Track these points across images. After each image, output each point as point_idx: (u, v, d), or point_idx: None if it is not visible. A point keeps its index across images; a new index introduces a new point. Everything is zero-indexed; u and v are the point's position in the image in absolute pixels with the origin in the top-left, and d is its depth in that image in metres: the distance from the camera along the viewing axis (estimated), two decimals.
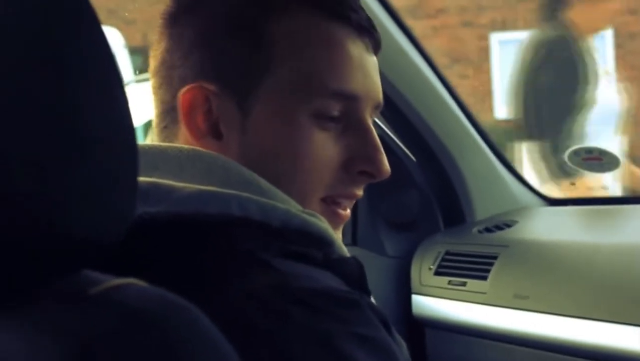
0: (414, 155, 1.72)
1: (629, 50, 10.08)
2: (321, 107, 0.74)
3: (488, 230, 1.64)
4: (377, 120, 1.44)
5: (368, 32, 0.78)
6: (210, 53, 0.74)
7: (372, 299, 0.67)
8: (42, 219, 0.42)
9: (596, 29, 2.78)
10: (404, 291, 1.67)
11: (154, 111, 0.80)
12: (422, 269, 1.64)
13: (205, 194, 0.67)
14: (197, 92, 0.74)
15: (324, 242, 0.70)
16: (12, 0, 0.41)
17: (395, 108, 1.58)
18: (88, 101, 0.43)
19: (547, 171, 2.52)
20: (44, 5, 0.42)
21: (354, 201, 0.81)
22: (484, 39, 10.28)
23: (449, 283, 1.55)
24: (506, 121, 10.01)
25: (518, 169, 1.87)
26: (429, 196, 1.74)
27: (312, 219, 0.70)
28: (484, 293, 1.45)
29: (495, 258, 1.48)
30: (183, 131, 0.76)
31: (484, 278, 1.46)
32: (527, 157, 2.65)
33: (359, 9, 0.78)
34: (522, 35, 10.08)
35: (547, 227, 1.68)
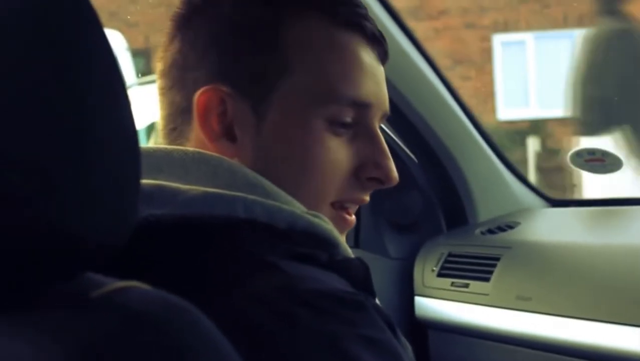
0: (416, 157, 1.72)
1: None
2: (335, 114, 0.75)
3: (490, 232, 1.64)
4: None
5: (379, 42, 0.80)
6: (225, 56, 0.75)
7: (377, 301, 0.68)
8: (44, 221, 0.42)
9: None
10: (406, 292, 1.67)
11: (162, 112, 0.80)
12: (425, 271, 1.64)
13: (211, 197, 0.67)
14: (212, 94, 0.74)
15: (330, 243, 0.71)
16: (13, 2, 0.41)
17: (397, 110, 1.58)
18: (90, 103, 0.43)
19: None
20: (45, 8, 0.42)
21: (358, 206, 0.82)
22: (487, 40, 10.27)
23: (452, 284, 1.55)
24: (509, 122, 10.00)
25: (521, 169, 1.87)
26: (431, 197, 1.74)
27: (317, 220, 0.70)
28: (487, 295, 1.45)
29: (497, 259, 1.48)
30: (196, 133, 0.76)
31: (487, 280, 1.46)
32: (614, 148, 2.64)
33: (371, 19, 0.79)
34: (525, 37, 10.07)
35: (550, 228, 1.68)
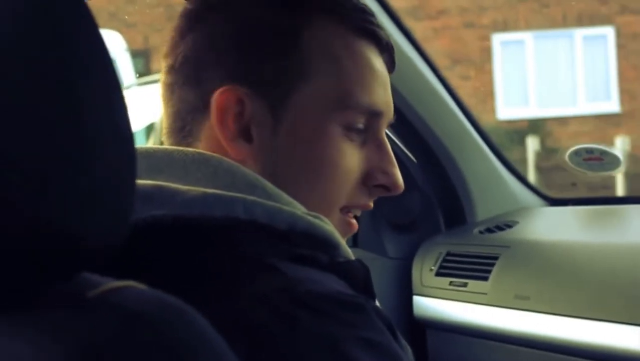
0: (414, 156, 1.72)
1: (631, 50, 10.07)
2: (351, 120, 0.76)
3: (489, 231, 1.64)
4: None
5: (388, 50, 0.81)
6: (245, 57, 0.75)
7: (377, 303, 0.68)
8: (43, 221, 0.42)
9: None
10: (405, 292, 1.67)
11: (169, 110, 0.79)
12: (423, 270, 1.64)
13: (210, 198, 0.67)
14: (231, 94, 0.74)
15: (330, 245, 0.71)
16: (8, 4, 0.41)
17: (396, 110, 1.57)
18: (87, 104, 0.43)
19: None
20: (41, 9, 0.42)
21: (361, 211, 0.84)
22: (486, 39, 10.28)
23: (450, 283, 1.55)
24: (508, 122, 10.01)
25: (521, 168, 1.87)
26: (429, 197, 1.75)
27: (318, 221, 0.70)
28: (485, 294, 1.45)
29: (496, 258, 1.49)
30: (210, 132, 0.75)
31: (485, 279, 1.47)
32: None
33: (382, 27, 0.81)
34: (524, 36, 10.10)
35: (548, 227, 1.68)
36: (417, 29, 8.56)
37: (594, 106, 10.16)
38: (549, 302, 1.32)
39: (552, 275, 1.36)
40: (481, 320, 1.45)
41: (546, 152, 9.09)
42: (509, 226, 1.64)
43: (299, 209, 0.71)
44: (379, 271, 1.69)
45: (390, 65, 0.83)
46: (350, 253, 0.73)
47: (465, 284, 1.51)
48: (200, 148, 0.76)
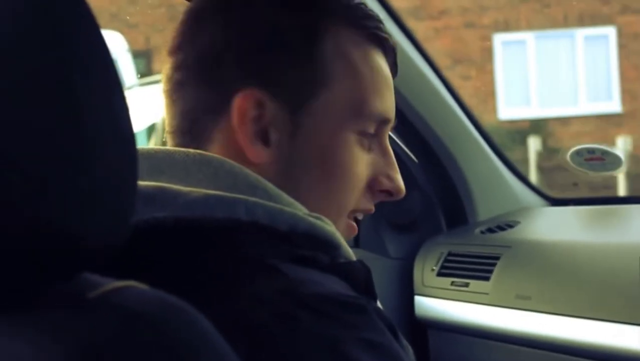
0: (416, 156, 1.72)
1: (633, 50, 10.06)
2: (365, 127, 0.78)
3: (490, 231, 1.64)
4: None
5: (393, 54, 0.82)
6: (268, 60, 0.74)
7: (378, 303, 0.68)
8: (44, 222, 0.42)
9: None
10: (406, 292, 1.67)
11: (177, 108, 0.77)
12: (425, 271, 1.64)
13: (212, 199, 0.67)
14: (252, 97, 0.73)
15: (331, 245, 0.71)
16: (9, 4, 0.41)
17: (397, 110, 1.57)
18: (88, 104, 0.43)
19: None
20: (41, 10, 0.42)
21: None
22: (487, 39, 10.28)
23: (452, 283, 1.55)
24: (509, 122, 10.00)
25: (522, 168, 1.87)
26: (431, 197, 1.75)
27: (319, 222, 0.70)
28: (487, 294, 1.45)
29: (497, 258, 1.48)
30: (226, 133, 0.75)
31: (487, 279, 1.46)
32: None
33: (389, 33, 0.82)
34: (525, 36, 10.08)
35: (550, 227, 1.68)
36: (419, 29, 8.56)
37: (595, 106, 10.15)
38: (551, 302, 1.32)
39: (554, 275, 1.36)
40: (483, 320, 1.45)
41: (547, 152, 9.09)
42: (511, 226, 1.64)
43: (300, 210, 0.71)
44: (381, 272, 1.69)
45: (394, 69, 0.83)
46: (351, 253, 0.73)
47: (466, 284, 1.51)
48: (212, 149, 0.75)
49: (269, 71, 0.74)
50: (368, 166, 0.79)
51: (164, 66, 0.80)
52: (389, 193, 0.81)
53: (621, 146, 8.37)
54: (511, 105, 10.28)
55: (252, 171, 0.72)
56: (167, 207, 0.66)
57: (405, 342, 0.65)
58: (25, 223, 0.41)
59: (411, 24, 1.57)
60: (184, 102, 0.77)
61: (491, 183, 1.76)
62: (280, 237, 0.67)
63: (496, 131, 8.54)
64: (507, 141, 8.78)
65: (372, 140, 0.80)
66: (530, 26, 10.28)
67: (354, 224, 0.82)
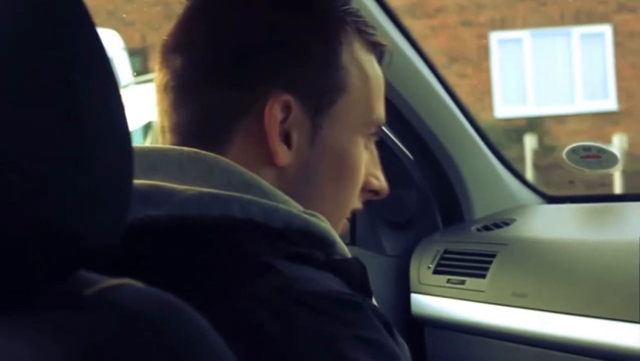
0: (412, 154, 1.72)
1: (629, 48, 10.08)
2: (371, 132, 0.82)
3: (487, 228, 1.64)
4: None
5: (381, 59, 0.85)
6: (294, 64, 0.75)
7: (374, 301, 0.68)
8: (44, 221, 0.42)
9: None
10: (402, 290, 1.67)
11: (188, 107, 0.76)
12: (421, 268, 1.64)
13: (207, 197, 0.67)
14: (281, 100, 0.74)
15: (326, 242, 0.71)
16: (9, 4, 0.41)
17: (393, 107, 1.58)
18: (85, 105, 0.43)
19: None
20: (42, 10, 0.42)
21: None
22: (483, 37, 10.29)
23: (448, 281, 1.55)
24: (506, 120, 10.00)
25: (518, 166, 1.87)
26: (427, 194, 1.75)
27: (314, 219, 0.70)
28: (483, 292, 1.45)
29: (493, 256, 1.49)
30: (250, 134, 0.74)
31: (483, 277, 1.47)
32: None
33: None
34: (522, 34, 10.09)
35: (546, 225, 1.68)
36: (415, 27, 8.56)
37: (591, 104, 10.17)
38: (547, 299, 1.32)
39: (550, 273, 1.36)
40: (479, 317, 1.46)
41: (544, 150, 9.10)
42: (507, 224, 1.64)
43: (294, 207, 0.71)
44: (377, 269, 1.69)
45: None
46: (346, 250, 0.74)
47: (463, 282, 1.51)
48: (231, 150, 0.74)
49: (294, 76, 0.75)
50: (365, 167, 0.82)
51: (168, 61, 0.78)
52: (376, 192, 0.84)
53: (617, 144, 8.38)
54: (507, 103, 10.29)
55: (271, 173, 0.74)
56: (162, 205, 0.66)
57: (400, 339, 0.66)
58: (25, 222, 0.41)
59: (407, 22, 1.57)
60: (196, 101, 0.76)
61: (487, 181, 1.76)
62: (276, 234, 0.67)
63: (492, 129, 8.54)
64: (503, 139, 8.79)
65: (369, 142, 0.82)
66: (526, 24, 10.28)
67: (347, 222, 0.84)
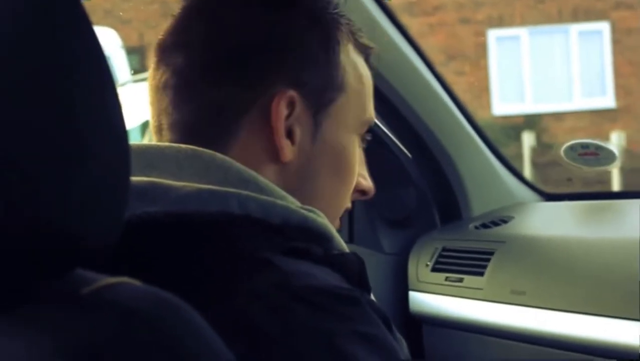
0: (409, 151, 1.72)
1: (627, 45, 10.09)
2: (364, 129, 0.83)
3: (485, 226, 1.64)
4: None
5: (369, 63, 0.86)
6: (301, 64, 0.76)
7: (372, 296, 0.68)
8: (41, 221, 0.42)
9: None
10: (401, 287, 1.67)
11: (190, 105, 0.76)
12: (419, 266, 1.64)
13: (204, 193, 0.67)
14: (286, 97, 0.74)
15: (324, 238, 0.71)
16: (9, 4, 0.41)
17: (390, 105, 1.58)
18: (83, 104, 0.43)
19: None
20: (42, 10, 0.42)
21: None
22: (481, 35, 10.29)
23: (446, 279, 1.55)
24: (503, 117, 10.01)
25: (516, 164, 1.87)
26: (425, 192, 1.75)
27: (311, 215, 0.71)
28: (481, 289, 1.45)
29: (492, 253, 1.49)
30: (255, 131, 0.75)
31: (481, 274, 1.47)
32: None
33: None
34: (519, 32, 10.09)
35: (544, 222, 1.68)
36: (413, 25, 8.57)
37: (589, 102, 10.18)
38: (545, 297, 1.32)
39: (548, 270, 1.36)
40: (477, 315, 1.46)
41: (542, 148, 9.11)
42: (505, 222, 1.64)
43: (292, 203, 0.71)
44: (375, 267, 1.69)
45: None
46: (344, 245, 0.74)
47: (461, 280, 1.51)
48: (235, 146, 0.74)
49: (298, 73, 0.76)
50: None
51: (168, 60, 0.78)
52: (364, 192, 0.86)
53: (615, 141, 8.39)
54: (505, 100, 10.29)
55: (274, 168, 0.75)
56: (159, 201, 0.66)
57: (398, 335, 0.66)
58: (23, 222, 0.41)
59: (405, 20, 1.57)
60: (199, 99, 0.75)
61: (485, 179, 1.76)
62: (274, 230, 0.67)
63: (490, 127, 8.55)
64: (501, 136, 8.79)
65: (360, 142, 0.84)
66: (524, 22, 10.29)
67: (339, 221, 0.85)
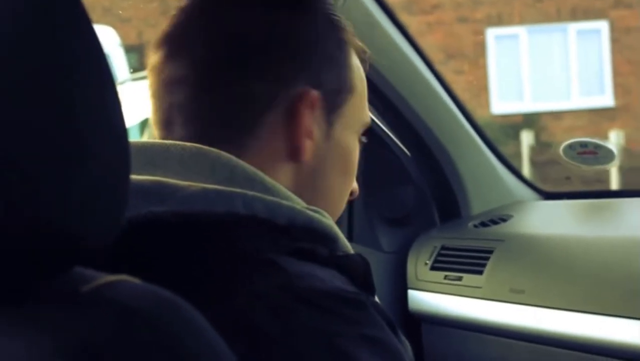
0: (409, 150, 1.72)
1: (625, 44, 10.09)
2: (362, 132, 0.85)
3: (484, 224, 1.64)
4: (372, 116, 1.45)
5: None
6: (320, 64, 0.77)
7: (376, 298, 0.68)
8: (41, 221, 0.42)
9: None
10: (400, 286, 1.67)
11: (217, 98, 0.75)
12: (418, 264, 1.65)
13: (210, 193, 0.66)
14: (308, 95, 0.75)
15: (329, 238, 0.71)
16: (9, 4, 0.41)
17: (389, 103, 1.58)
18: (83, 103, 0.43)
19: None
20: (42, 10, 0.42)
21: None
22: (480, 34, 10.29)
23: (445, 277, 1.55)
24: (502, 116, 10.01)
25: (515, 163, 1.87)
26: (424, 191, 1.75)
27: (317, 215, 0.70)
28: (480, 288, 1.45)
29: (491, 252, 1.49)
30: (276, 127, 0.74)
31: (480, 273, 1.47)
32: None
33: None
34: (518, 30, 10.09)
35: (543, 221, 1.68)
36: (412, 23, 8.56)
37: (588, 100, 10.18)
38: (544, 296, 1.32)
39: (547, 269, 1.36)
40: (476, 313, 1.46)
41: (540, 147, 9.11)
42: (504, 220, 1.64)
43: (297, 203, 0.71)
44: (374, 266, 1.67)
45: None
46: (349, 246, 0.74)
47: (460, 278, 1.51)
48: (254, 143, 0.74)
49: (318, 74, 0.77)
50: None
51: (183, 53, 0.77)
52: (351, 192, 0.86)
53: (614, 140, 8.39)
54: (504, 99, 10.29)
55: (290, 166, 0.76)
56: (165, 201, 0.65)
57: (403, 338, 0.65)
58: (25, 222, 0.41)
59: (404, 18, 1.57)
60: (221, 95, 0.75)
61: (484, 177, 1.76)
62: (280, 231, 0.67)
63: (489, 125, 8.55)
64: (500, 135, 8.79)
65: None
66: (523, 20, 10.29)
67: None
